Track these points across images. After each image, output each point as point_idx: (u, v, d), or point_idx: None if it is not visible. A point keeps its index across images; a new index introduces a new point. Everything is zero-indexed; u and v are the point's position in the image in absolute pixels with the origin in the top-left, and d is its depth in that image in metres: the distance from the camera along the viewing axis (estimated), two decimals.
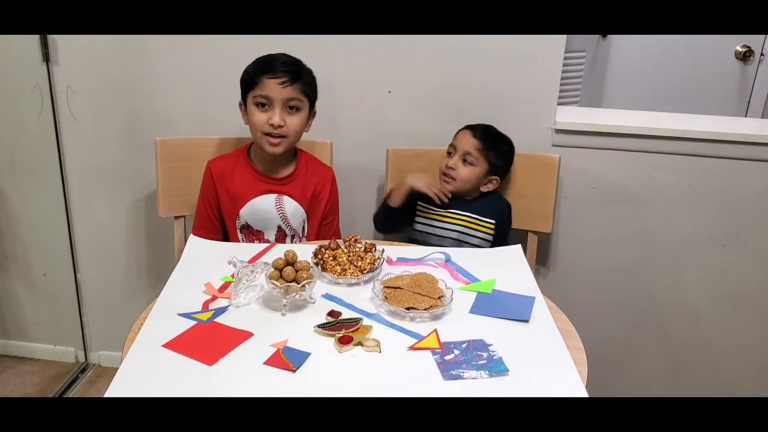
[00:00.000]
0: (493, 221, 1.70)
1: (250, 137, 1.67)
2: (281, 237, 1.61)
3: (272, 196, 1.61)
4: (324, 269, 1.34)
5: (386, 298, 1.24)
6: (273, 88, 1.50)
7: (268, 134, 1.53)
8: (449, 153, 1.71)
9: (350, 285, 1.32)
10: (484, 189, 1.71)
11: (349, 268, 1.34)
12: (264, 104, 1.52)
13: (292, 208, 1.61)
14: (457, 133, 1.72)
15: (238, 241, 1.61)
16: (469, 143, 1.67)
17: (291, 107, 1.53)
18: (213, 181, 1.61)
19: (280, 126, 1.51)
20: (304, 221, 1.64)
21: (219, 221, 1.64)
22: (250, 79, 1.53)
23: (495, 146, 1.68)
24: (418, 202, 1.73)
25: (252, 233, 1.62)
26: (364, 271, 1.33)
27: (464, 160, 1.67)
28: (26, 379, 2.16)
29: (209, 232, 1.61)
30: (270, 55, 1.55)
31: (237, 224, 1.61)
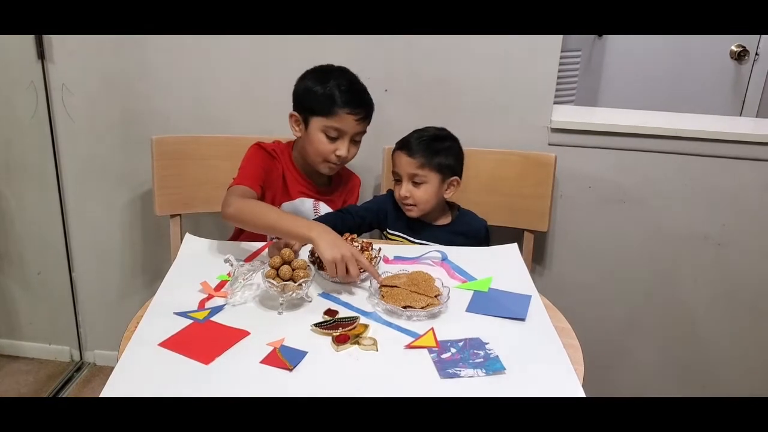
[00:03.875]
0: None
1: (249, 138, 1.66)
2: None
3: (310, 201, 1.61)
4: (321, 268, 1.33)
5: (383, 296, 1.24)
6: (350, 123, 1.49)
7: (328, 161, 1.53)
8: (396, 180, 1.60)
9: (347, 284, 1.31)
10: (447, 195, 1.60)
11: None
12: (335, 135, 1.51)
13: (321, 209, 1.62)
14: (393, 155, 1.60)
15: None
16: (408, 165, 1.55)
17: (356, 140, 1.54)
18: (274, 163, 1.57)
19: (345, 158, 1.53)
20: None
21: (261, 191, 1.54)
22: (324, 106, 1.49)
23: (436, 151, 1.55)
24: (388, 231, 1.65)
25: None
26: (361, 270, 1.33)
27: (414, 182, 1.56)
28: (21, 378, 2.15)
29: (259, 185, 1.50)
30: (350, 84, 1.50)
31: None
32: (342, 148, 1.51)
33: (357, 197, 1.73)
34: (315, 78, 1.52)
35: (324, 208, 1.62)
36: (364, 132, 1.56)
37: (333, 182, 1.68)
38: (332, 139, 1.51)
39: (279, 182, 1.58)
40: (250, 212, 1.38)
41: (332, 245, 1.25)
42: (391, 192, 1.66)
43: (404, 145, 1.58)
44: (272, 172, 1.57)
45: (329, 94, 1.48)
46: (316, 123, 1.50)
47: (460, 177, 1.62)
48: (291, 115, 1.56)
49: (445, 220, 1.65)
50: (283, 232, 1.33)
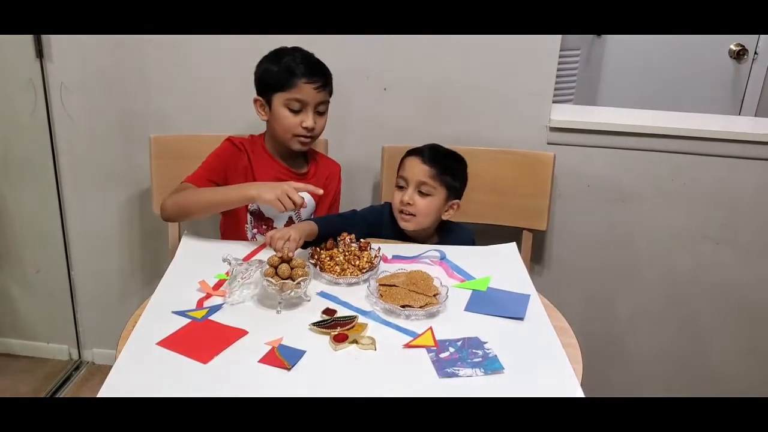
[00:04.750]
0: None
1: (245, 135, 1.66)
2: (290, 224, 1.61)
3: None
4: (322, 269, 1.33)
5: (381, 295, 1.24)
6: (309, 92, 1.51)
7: (298, 135, 1.54)
8: (400, 186, 1.55)
9: (350, 284, 1.32)
10: (445, 217, 1.57)
11: (348, 268, 1.34)
12: (297, 108, 1.52)
13: (306, 201, 1.61)
14: (403, 160, 1.57)
15: (246, 223, 1.60)
16: (420, 172, 1.52)
17: (319, 111, 1.55)
18: (240, 156, 1.59)
19: (312, 129, 1.54)
20: (312, 214, 1.66)
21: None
22: (282, 81, 1.51)
23: (449, 168, 1.54)
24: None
25: (262, 219, 1.62)
26: (363, 270, 1.33)
27: (420, 192, 1.52)
28: (19, 377, 2.15)
29: (211, 185, 1.54)
30: (304, 57, 1.53)
31: (249, 206, 1.61)
32: (307, 120, 1.52)
33: (339, 182, 1.73)
34: (270, 59, 1.55)
35: (303, 195, 1.61)
36: (327, 102, 1.57)
37: (310, 168, 1.67)
38: (296, 112, 1.53)
39: (248, 173, 1.59)
40: (185, 200, 1.46)
41: (269, 189, 1.38)
42: (387, 204, 1.63)
43: (419, 152, 1.56)
44: (238, 163, 1.59)
45: (285, 68, 1.52)
46: (278, 99, 1.53)
47: (461, 201, 1.59)
48: (255, 101, 1.58)
49: (435, 240, 1.62)
50: (223, 201, 1.46)
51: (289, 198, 1.35)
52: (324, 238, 1.43)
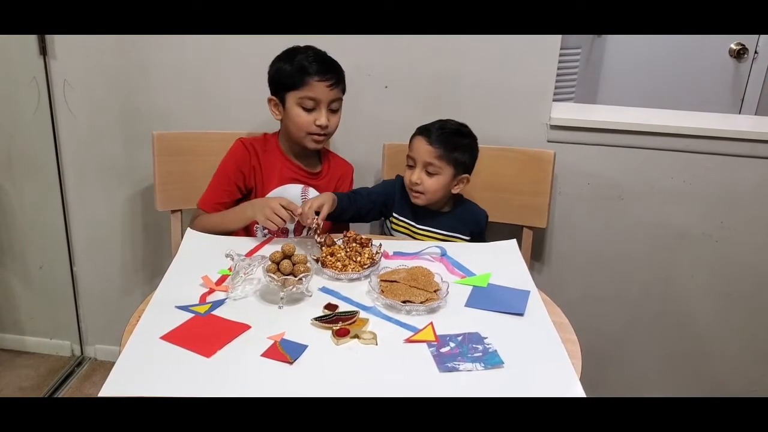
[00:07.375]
0: (467, 238, 1.62)
1: (247, 133, 1.67)
2: (300, 227, 1.62)
3: (299, 186, 1.63)
4: (324, 265, 1.34)
5: (383, 291, 1.25)
6: (322, 90, 1.52)
7: (312, 133, 1.56)
8: (410, 165, 1.60)
9: (352, 280, 1.33)
10: (455, 190, 1.61)
11: (350, 264, 1.35)
12: (311, 106, 1.53)
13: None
14: (412, 139, 1.60)
15: (257, 223, 1.62)
16: (426, 152, 1.55)
17: (333, 108, 1.56)
18: (248, 157, 1.61)
19: (326, 126, 1.55)
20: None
21: (232, 201, 1.62)
22: (295, 80, 1.52)
23: (455, 146, 1.56)
24: (393, 215, 1.66)
25: None
26: (365, 266, 1.34)
27: (427, 171, 1.56)
28: (21, 373, 2.16)
29: (221, 206, 1.60)
30: (316, 55, 1.54)
31: None
32: (321, 117, 1.53)
33: (350, 184, 1.74)
34: (283, 58, 1.56)
35: (313, 194, 1.63)
36: (340, 99, 1.58)
37: (323, 168, 1.68)
38: (309, 111, 1.54)
39: (257, 173, 1.61)
40: (206, 228, 1.55)
41: (260, 208, 1.46)
42: (400, 177, 1.66)
43: (426, 132, 1.57)
44: (245, 166, 1.61)
45: (298, 66, 1.52)
46: (292, 98, 1.54)
47: (471, 175, 1.62)
48: (269, 100, 1.59)
49: (448, 208, 1.66)
50: (233, 223, 1.54)
51: (277, 215, 1.42)
52: (342, 213, 1.53)
